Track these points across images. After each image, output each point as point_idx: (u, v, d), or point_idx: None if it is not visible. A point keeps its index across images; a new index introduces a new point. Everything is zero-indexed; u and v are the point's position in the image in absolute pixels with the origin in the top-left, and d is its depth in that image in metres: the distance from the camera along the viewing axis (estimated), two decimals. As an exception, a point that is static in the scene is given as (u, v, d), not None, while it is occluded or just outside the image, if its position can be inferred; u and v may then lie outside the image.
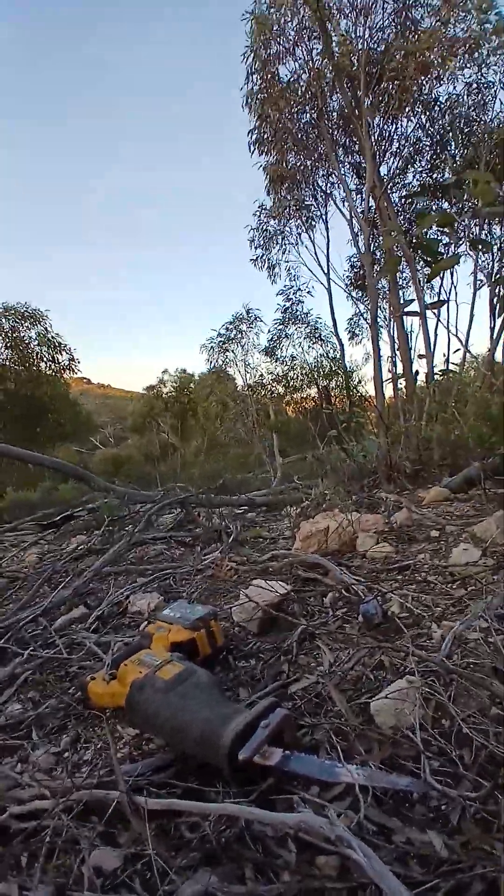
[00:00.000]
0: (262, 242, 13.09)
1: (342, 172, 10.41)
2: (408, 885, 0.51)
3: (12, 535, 4.21)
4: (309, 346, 15.12)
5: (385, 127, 10.28)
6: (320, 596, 1.47)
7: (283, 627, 1.26)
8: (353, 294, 13.64)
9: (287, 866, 0.58)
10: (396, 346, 7.75)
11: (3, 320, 13.32)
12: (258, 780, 0.68)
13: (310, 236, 13.41)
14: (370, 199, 8.13)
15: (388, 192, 10.48)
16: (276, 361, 15.43)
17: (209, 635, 1.13)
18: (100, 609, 1.62)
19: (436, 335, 9.21)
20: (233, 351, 15.95)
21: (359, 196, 10.61)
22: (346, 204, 10.98)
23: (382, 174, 10.27)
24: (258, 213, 12.76)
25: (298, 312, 14.88)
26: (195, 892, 0.54)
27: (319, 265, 13.94)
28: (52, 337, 13.92)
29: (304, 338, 15.08)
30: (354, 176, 11.59)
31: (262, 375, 15.87)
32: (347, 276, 13.78)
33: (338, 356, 14.78)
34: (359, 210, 9.49)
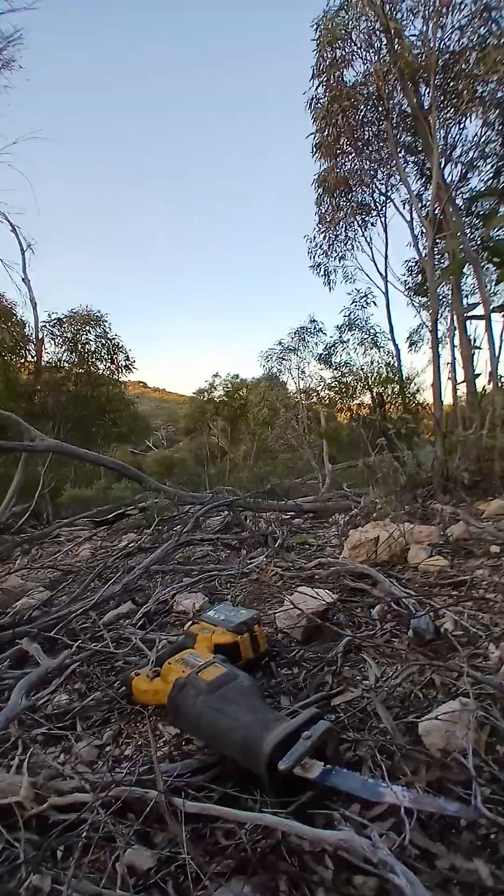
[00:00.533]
0: (320, 251, 13.11)
1: (405, 174, 10.25)
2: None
3: (68, 531, 4.40)
4: (364, 352, 14.92)
5: (449, 129, 10.06)
6: (368, 607, 1.42)
7: (328, 637, 1.23)
8: (414, 300, 13.36)
9: (323, 883, 0.56)
10: (458, 351, 7.47)
11: (67, 326, 13.96)
12: (297, 791, 0.66)
13: (367, 240, 13.29)
14: (436, 200, 7.95)
15: (452, 195, 10.20)
16: (330, 368, 15.35)
17: (252, 640, 1.12)
18: (147, 606, 1.65)
19: (501, 341, 8.84)
20: (289, 359, 16.03)
21: (419, 199, 10.41)
22: (408, 205, 10.78)
23: (446, 180, 10.02)
24: (316, 223, 12.76)
25: (358, 319, 14.76)
26: (228, 900, 0.53)
27: (378, 269, 13.77)
28: (111, 338, 14.41)
29: (359, 343, 14.90)
30: (417, 176, 11.40)
31: (319, 382, 15.85)
32: (405, 281, 13.52)
33: (394, 363, 14.49)
34: (422, 212, 9.28)
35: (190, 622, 1.37)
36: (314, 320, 15.69)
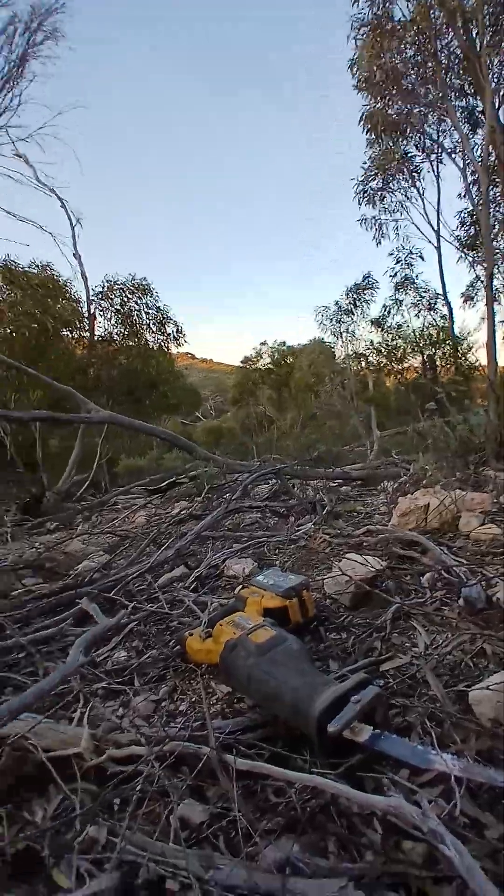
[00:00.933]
0: (367, 199, 12.42)
1: (457, 117, 9.46)
2: (498, 883, 0.48)
3: (124, 499, 4.58)
4: (416, 314, 14.23)
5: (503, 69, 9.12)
6: (417, 575, 1.41)
7: (377, 604, 1.23)
8: (467, 255, 12.55)
9: (371, 846, 0.57)
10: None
11: (113, 295, 14.03)
12: (346, 754, 0.68)
13: (418, 190, 12.48)
14: (490, 144, 7.29)
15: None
16: (382, 331, 14.75)
17: (301, 604, 1.14)
18: (198, 570, 1.70)
19: None
20: (343, 322, 15.47)
21: (471, 145, 9.61)
22: (461, 152, 9.97)
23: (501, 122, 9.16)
24: (365, 167, 12.05)
25: (409, 277, 14.01)
26: (277, 858, 0.55)
27: (429, 223, 12.97)
28: (161, 308, 14.38)
29: (412, 304, 14.21)
30: (467, 123, 10.49)
31: (367, 345, 15.27)
32: (457, 235, 12.68)
33: (446, 323, 13.77)
34: (475, 158, 8.59)
35: (240, 586, 1.40)
36: (367, 277, 14.98)
